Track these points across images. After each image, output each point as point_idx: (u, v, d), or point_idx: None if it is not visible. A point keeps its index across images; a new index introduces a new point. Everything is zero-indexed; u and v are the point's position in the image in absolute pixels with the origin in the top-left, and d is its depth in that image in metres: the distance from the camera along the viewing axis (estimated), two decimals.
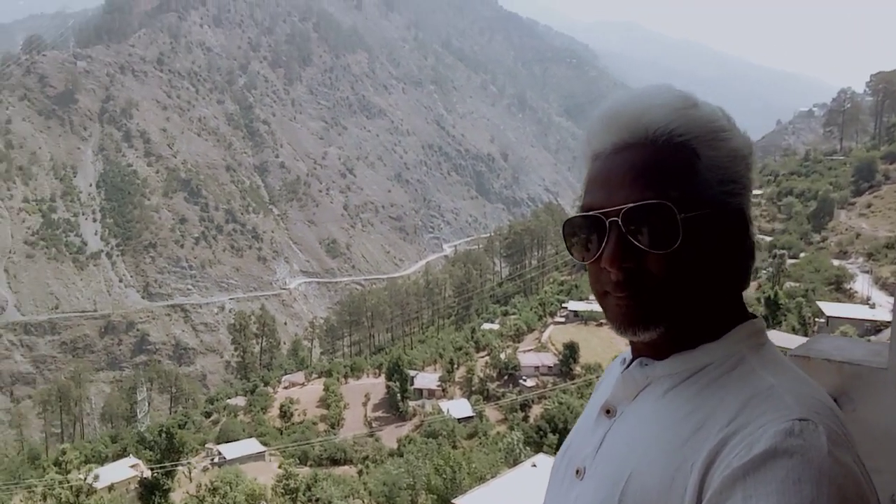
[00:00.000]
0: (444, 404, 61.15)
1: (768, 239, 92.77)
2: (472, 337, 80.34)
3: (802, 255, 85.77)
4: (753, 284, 78.80)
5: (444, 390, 67.12)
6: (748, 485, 0.80)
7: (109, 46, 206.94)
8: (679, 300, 0.99)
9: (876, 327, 60.75)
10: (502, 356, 67.95)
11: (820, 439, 0.81)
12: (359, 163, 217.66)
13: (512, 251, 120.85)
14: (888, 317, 63.55)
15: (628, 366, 1.12)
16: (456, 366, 70.44)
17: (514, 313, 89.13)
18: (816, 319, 65.03)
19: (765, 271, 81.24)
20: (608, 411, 1.11)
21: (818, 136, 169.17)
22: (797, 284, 73.83)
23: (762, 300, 68.20)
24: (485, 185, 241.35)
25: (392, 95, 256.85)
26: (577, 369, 64.84)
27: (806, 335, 61.44)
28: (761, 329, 1.07)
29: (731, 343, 1.02)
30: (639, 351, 1.10)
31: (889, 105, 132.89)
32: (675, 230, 0.95)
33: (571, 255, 1.08)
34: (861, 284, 75.00)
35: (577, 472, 1.11)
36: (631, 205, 0.96)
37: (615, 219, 0.97)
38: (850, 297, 72.82)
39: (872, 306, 67.27)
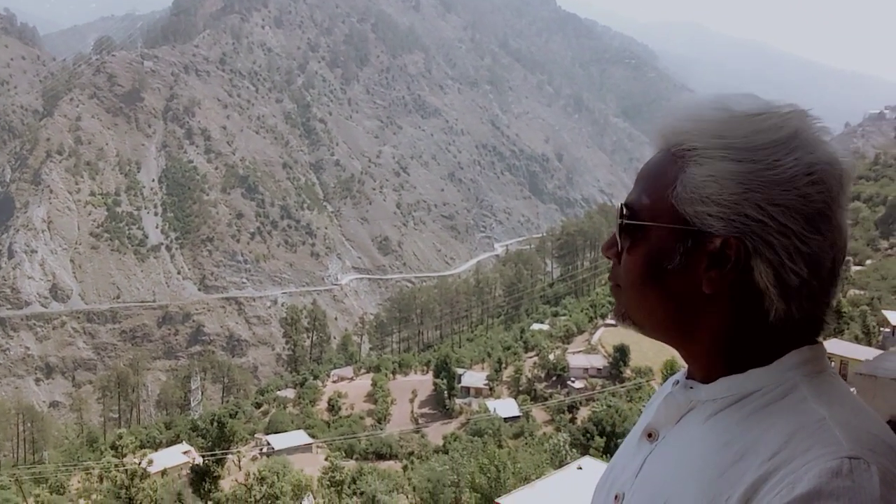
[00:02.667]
0: (491, 403, 60.82)
1: None
2: (521, 337, 79.76)
3: (869, 261, 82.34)
4: None
5: (491, 389, 66.78)
6: None
7: (175, 47, 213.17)
8: (639, 304, 1.00)
9: None
10: (551, 357, 67.25)
11: (871, 480, 0.75)
12: (413, 162, 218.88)
13: (564, 252, 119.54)
14: None
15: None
16: (504, 365, 70.03)
17: (564, 314, 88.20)
18: (881, 329, 62.31)
19: None
20: (650, 435, 1.08)
21: (889, 140, 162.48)
22: (862, 292, 70.89)
23: None
24: (538, 185, 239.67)
25: (447, 95, 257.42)
26: (627, 372, 63.66)
27: (869, 344, 58.88)
28: (819, 355, 1.01)
29: (782, 369, 0.96)
30: (689, 373, 1.07)
31: None
32: (624, 233, 1.01)
33: None
34: None
35: (616, 497, 1.08)
36: (620, 203, 1.03)
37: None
38: None
39: None
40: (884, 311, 65.29)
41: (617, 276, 1.04)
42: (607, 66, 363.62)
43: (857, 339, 59.40)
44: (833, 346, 55.02)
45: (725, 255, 0.95)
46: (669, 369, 44.98)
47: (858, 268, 79.79)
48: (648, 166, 1.03)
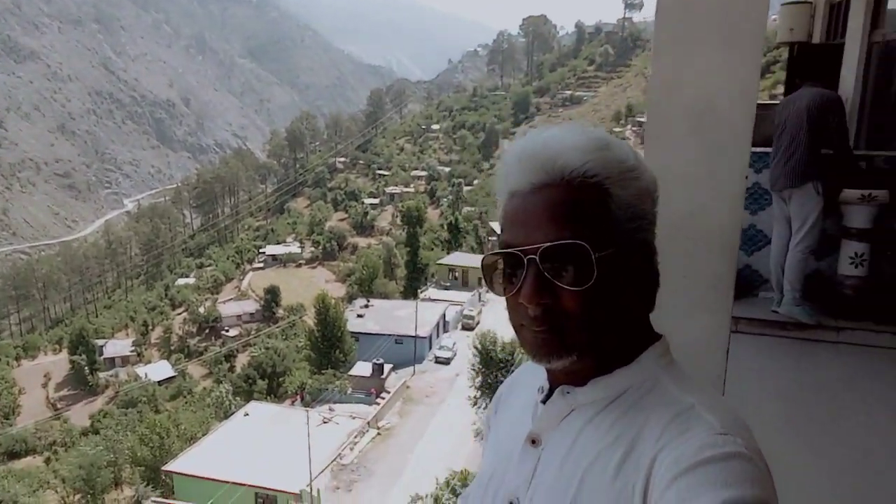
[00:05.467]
0: (142, 369, 57.47)
1: (447, 170, 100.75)
2: (167, 294, 76.17)
3: (476, 181, 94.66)
4: (436, 212, 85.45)
5: (139, 355, 63.03)
6: (681, 487, 0.87)
7: None
8: (592, 332, 1.02)
9: None
10: (201, 310, 65.64)
11: (740, 448, 0.89)
12: (10, 114, 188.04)
13: (202, 201, 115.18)
14: None
15: (548, 395, 1.12)
16: (151, 327, 66.64)
17: (210, 265, 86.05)
18: (490, 238, 72.98)
19: (446, 199, 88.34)
20: (534, 441, 1.11)
21: (483, 74, 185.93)
22: (473, 209, 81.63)
23: (445, 226, 74.43)
24: (166, 132, 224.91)
25: (46, 36, 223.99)
26: (280, 312, 65.01)
27: (482, 253, 68.84)
28: (667, 347, 1.11)
29: (644, 366, 1.06)
30: (557, 379, 1.10)
31: (538, 45, 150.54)
32: (589, 269, 0.98)
33: (491, 288, 1.09)
34: None
35: (511, 503, 1.12)
36: (548, 244, 0.99)
37: (533, 257, 1.00)
38: None
39: None
40: (491, 223, 76.39)
41: (556, 317, 1.02)
42: (228, 5, 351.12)
43: (472, 250, 68.84)
44: (455, 258, 63.06)
45: (648, 260, 1.07)
46: (321, 303, 47.02)
47: (469, 188, 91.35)
48: (560, 202, 1.02)
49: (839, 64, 7.45)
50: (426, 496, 26.05)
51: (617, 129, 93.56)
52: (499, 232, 1.09)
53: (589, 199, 1.01)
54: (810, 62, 5.45)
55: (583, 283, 0.99)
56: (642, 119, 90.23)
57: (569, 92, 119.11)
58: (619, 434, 1.01)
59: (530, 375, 1.22)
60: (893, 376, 4.22)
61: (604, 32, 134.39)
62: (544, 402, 1.13)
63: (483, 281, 1.13)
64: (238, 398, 45.80)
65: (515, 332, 1.09)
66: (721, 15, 2.02)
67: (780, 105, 5.16)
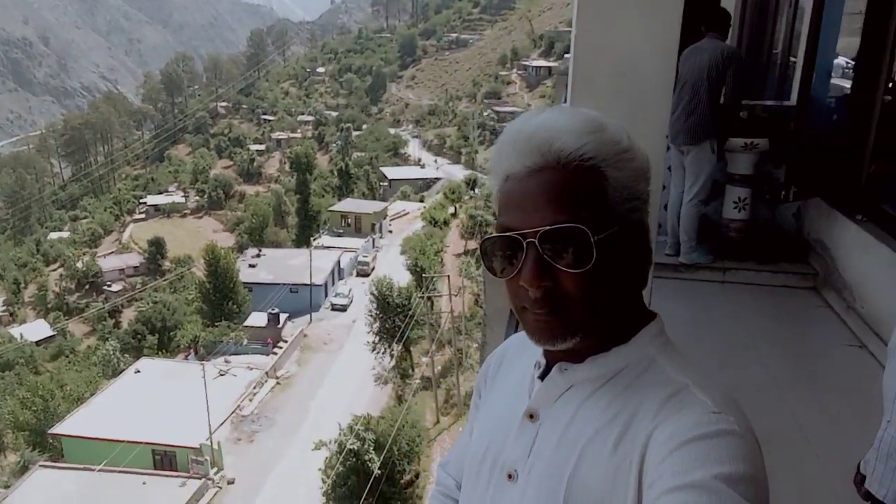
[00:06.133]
0: (15, 330, 54.14)
1: (335, 114, 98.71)
2: (38, 250, 71.45)
3: (365, 126, 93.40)
4: (326, 158, 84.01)
5: (12, 315, 59.31)
6: (675, 462, 0.90)
7: None
8: (591, 313, 1.03)
9: (427, 184, 70.75)
10: (79, 265, 62.32)
11: (733, 426, 0.93)
12: None
13: (72, 149, 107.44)
14: (435, 174, 74.41)
15: (545, 370, 1.14)
16: (23, 285, 62.51)
17: (85, 217, 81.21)
18: (381, 183, 72.64)
19: (335, 145, 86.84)
20: (531, 416, 1.13)
21: (368, 15, 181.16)
22: (363, 154, 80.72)
23: (336, 172, 73.40)
24: (24, 74, 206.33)
25: None
26: (167, 264, 62.59)
27: (374, 199, 68.61)
28: (662, 326, 1.13)
29: (641, 345, 1.08)
30: (555, 356, 1.12)
31: None
32: (589, 251, 0.99)
33: (490, 271, 1.10)
34: (413, 148, 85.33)
35: (510, 476, 1.13)
36: (547, 227, 1.00)
37: (532, 240, 1.01)
38: (405, 160, 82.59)
39: (423, 167, 77.45)
40: (381, 168, 75.98)
41: (556, 299, 1.03)
42: None
43: (364, 196, 68.44)
44: (347, 204, 62.52)
45: (643, 239, 1.09)
46: (211, 254, 45.66)
47: (357, 133, 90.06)
48: (556, 185, 1.02)
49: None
50: (330, 442, 26.45)
51: (503, 73, 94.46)
52: (496, 215, 1.10)
53: (585, 182, 1.02)
54: (708, 12, 5.69)
55: (582, 265, 1.00)
56: (527, 63, 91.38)
57: (455, 34, 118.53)
58: (617, 412, 1.03)
59: (522, 347, 1.21)
60: (774, 311, 4.78)
61: None
62: (542, 377, 1.14)
63: (483, 263, 1.12)
64: (127, 355, 44.31)
65: (517, 314, 1.11)
66: None
67: (682, 56, 5.13)
